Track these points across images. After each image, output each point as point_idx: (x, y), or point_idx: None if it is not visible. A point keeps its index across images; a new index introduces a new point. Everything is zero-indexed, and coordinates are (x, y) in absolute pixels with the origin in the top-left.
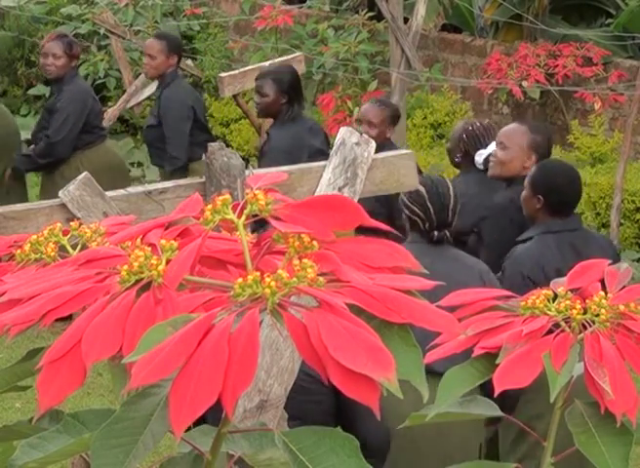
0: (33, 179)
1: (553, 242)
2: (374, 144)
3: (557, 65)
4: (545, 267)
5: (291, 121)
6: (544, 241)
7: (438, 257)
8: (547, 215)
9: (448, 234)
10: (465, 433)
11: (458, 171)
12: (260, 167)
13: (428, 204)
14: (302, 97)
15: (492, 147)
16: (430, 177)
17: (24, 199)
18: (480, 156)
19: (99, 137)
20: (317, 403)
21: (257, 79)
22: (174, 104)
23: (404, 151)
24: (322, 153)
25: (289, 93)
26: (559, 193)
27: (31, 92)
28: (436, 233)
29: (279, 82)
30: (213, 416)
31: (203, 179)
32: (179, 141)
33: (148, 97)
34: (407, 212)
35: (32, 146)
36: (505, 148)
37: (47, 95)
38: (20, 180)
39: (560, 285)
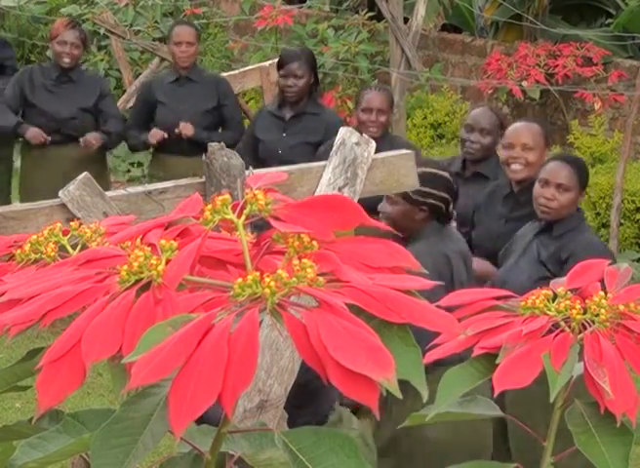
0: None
1: (589, 228)
2: (374, 144)
3: (557, 65)
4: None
5: (320, 100)
6: (589, 226)
7: (452, 234)
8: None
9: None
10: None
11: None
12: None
13: (453, 185)
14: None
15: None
16: (434, 161)
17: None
18: None
19: None
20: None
21: (288, 62)
22: (230, 86)
23: (404, 151)
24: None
25: (315, 71)
26: None
27: None
28: (453, 211)
29: (310, 61)
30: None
31: (203, 179)
32: (240, 120)
33: None
34: (432, 200)
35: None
36: (531, 150)
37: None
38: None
39: (560, 285)
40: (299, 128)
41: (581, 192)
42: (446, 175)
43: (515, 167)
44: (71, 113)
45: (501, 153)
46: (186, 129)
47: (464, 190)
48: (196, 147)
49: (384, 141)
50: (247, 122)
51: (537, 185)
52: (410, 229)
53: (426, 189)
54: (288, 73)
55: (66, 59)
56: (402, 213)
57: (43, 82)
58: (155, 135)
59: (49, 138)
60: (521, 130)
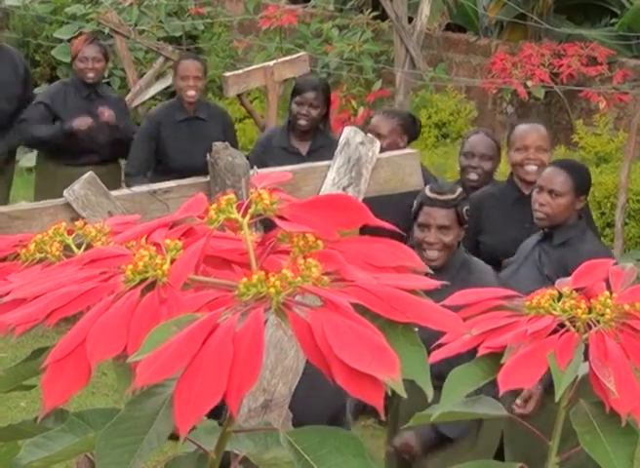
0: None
1: (596, 235)
2: (378, 144)
3: (562, 65)
4: None
5: (329, 131)
6: (593, 236)
7: None
8: (577, 214)
9: None
10: None
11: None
12: None
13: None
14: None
15: None
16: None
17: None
18: None
19: None
20: None
21: (305, 90)
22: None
23: (408, 151)
24: None
25: (328, 104)
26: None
27: (36, 91)
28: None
29: (326, 93)
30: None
31: (207, 179)
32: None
33: (153, 97)
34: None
35: None
36: (545, 151)
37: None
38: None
39: (565, 284)
40: (315, 161)
41: (578, 198)
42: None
43: (531, 168)
44: (106, 135)
45: (514, 156)
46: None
47: None
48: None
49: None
50: (251, 121)
51: (534, 192)
52: (454, 256)
53: (468, 206)
54: (304, 101)
55: (90, 75)
56: (457, 236)
57: (78, 102)
58: (82, 122)
59: (93, 122)
60: (533, 132)
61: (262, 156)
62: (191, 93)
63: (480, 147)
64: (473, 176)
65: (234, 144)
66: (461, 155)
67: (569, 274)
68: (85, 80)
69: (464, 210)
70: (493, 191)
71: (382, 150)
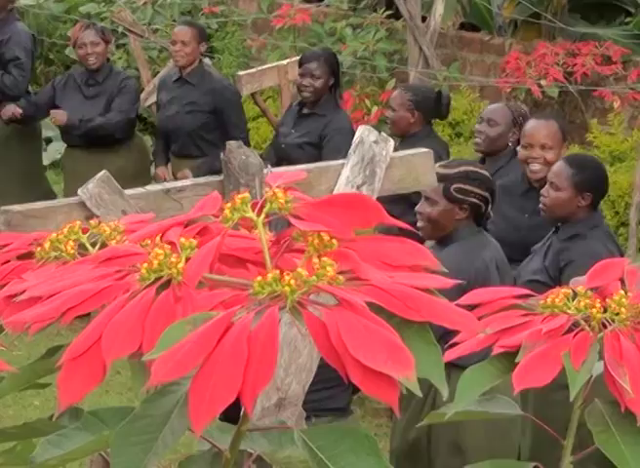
0: (52, 177)
1: (603, 235)
2: (392, 143)
3: (576, 64)
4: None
5: (338, 104)
6: (599, 236)
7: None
8: (588, 211)
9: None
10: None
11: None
12: (326, 152)
13: (493, 183)
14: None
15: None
16: (468, 161)
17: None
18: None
19: None
20: None
21: (305, 62)
22: (229, 90)
23: (422, 150)
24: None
25: (336, 75)
26: (605, 186)
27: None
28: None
29: (330, 63)
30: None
31: (221, 177)
32: (242, 124)
33: None
34: (473, 199)
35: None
36: (551, 148)
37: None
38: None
39: (580, 283)
40: (303, 127)
41: (581, 195)
42: (487, 174)
43: (534, 167)
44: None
45: (520, 152)
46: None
47: None
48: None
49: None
50: (264, 120)
51: (521, 149)
52: (447, 229)
53: (469, 187)
54: (305, 72)
55: (91, 60)
56: (443, 212)
57: (74, 88)
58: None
59: (19, 111)
60: (539, 129)
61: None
62: (177, 58)
63: (493, 114)
64: (477, 139)
65: (234, 121)
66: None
67: (561, 269)
68: (87, 66)
69: (453, 187)
70: (505, 184)
71: (392, 122)
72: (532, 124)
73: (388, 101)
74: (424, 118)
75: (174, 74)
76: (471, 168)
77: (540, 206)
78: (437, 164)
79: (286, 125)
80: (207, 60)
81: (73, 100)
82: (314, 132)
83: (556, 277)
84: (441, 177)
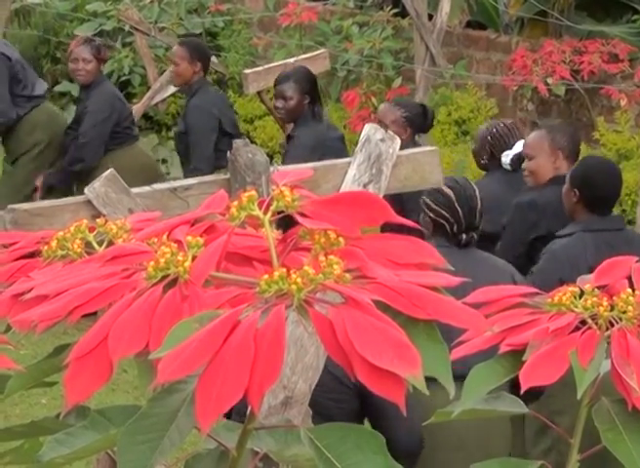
0: None
1: (591, 241)
2: (398, 141)
3: (582, 62)
4: (580, 266)
5: (315, 120)
6: (583, 239)
7: (470, 261)
8: (585, 212)
9: (475, 236)
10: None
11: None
12: (284, 164)
13: (457, 206)
14: (320, 95)
15: (517, 147)
16: (456, 179)
17: None
18: (507, 157)
19: (128, 138)
20: (336, 401)
21: (277, 84)
22: (200, 115)
23: (428, 148)
24: (342, 151)
25: (311, 92)
26: (593, 188)
27: (57, 88)
28: (464, 236)
29: (300, 83)
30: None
31: (227, 176)
32: (203, 153)
33: (173, 94)
34: (432, 214)
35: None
36: (532, 158)
37: (73, 92)
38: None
39: (587, 282)
40: (289, 148)
41: (572, 190)
42: (452, 194)
43: (526, 178)
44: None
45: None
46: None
47: None
48: None
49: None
50: (271, 119)
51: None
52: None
53: (430, 203)
54: (277, 95)
55: (80, 75)
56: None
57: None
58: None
59: None
60: (526, 141)
61: None
62: (172, 77)
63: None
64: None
65: (192, 138)
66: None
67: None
68: (77, 81)
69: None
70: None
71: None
72: (528, 137)
73: (377, 116)
74: (413, 134)
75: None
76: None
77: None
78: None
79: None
80: (213, 59)
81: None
82: (287, 154)
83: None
84: None
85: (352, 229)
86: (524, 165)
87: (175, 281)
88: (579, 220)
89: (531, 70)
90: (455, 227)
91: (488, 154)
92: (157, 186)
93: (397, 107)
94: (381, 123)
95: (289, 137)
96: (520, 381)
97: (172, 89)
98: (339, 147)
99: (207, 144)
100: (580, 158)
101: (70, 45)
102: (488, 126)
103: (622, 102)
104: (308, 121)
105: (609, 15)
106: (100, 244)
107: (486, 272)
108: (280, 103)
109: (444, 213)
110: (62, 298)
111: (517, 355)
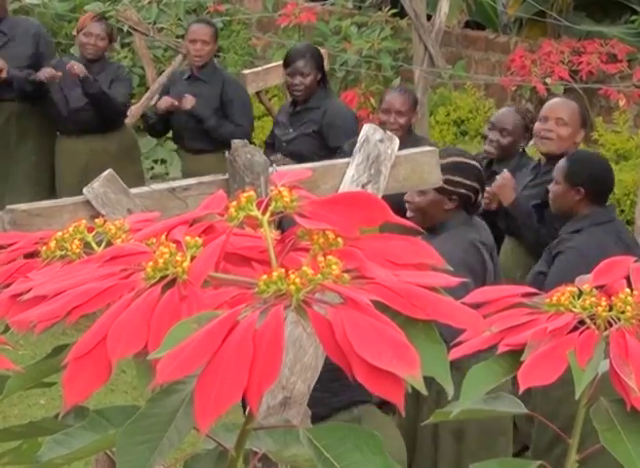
0: None
1: (604, 234)
2: (397, 141)
3: (581, 62)
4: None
5: (329, 96)
6: (597, 234)
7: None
8: (588, 206)
9: None
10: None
11: None
12: (332, 138)
13: (483, 174)
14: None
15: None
16: (459, 151)
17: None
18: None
19: None
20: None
21: (291, 61)
22: (239, 85)
23: (427, 148)
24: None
25: (322, 68)
26: (601, 182)
27: None
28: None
29: (315, 58)
30: None
31: (226, 176)
32: (249, 112)
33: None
34: (462, 190)
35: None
36: (566, 124)
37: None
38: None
39: (585, 282)
40: (299, 120)
41: (573, 188)
42: (476, 164)
43: (545, 139)
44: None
45: (536, 125)
46: (187, 102)
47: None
48: (218, 143)
49: (407, 143)
50: (269, 119)
51: (537, 123)
52: (437, 219)
53: (457, 178)
54: (294, 71)
55: (90, 51)
56: (431, 202)
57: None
58: (163, 103)
59: (59, 74)
60: (558, 104)
61: (275, 117)
62: (197, 58)
63: (503, 121)
64: (487, 148)
65: (235, 110)
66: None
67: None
68: (85, 55)
69: (445, 178)
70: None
71: (401, 127)
72: (553, 100)
73: (389, 106)
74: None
75: (184, 71)
76: (460, 158)
77: (542, 141)
78: None
79: (281, 126)
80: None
81: (71, 90)
82: (312, 123)
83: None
84: None
85: (351, 229)
86: (551, 126)
87: (173, 281)
88: (582, 215)
89: (529, 70)
90: (479, 196)
91: (528, 139)
92: (156, 186)
93: (404, 93)
94: (396, 111)
95: (295, 112)
96: (519, 381)
97: None
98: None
99: (250, 108)
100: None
101: (82, 19)
102: (516, 116)
103: (621, 103)
104: (328, 95)
105: (607, 15)
106: (98, 244)
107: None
108: (297, 80)
109: (476, 185)
110: (61, 299)
111: (516, 355)
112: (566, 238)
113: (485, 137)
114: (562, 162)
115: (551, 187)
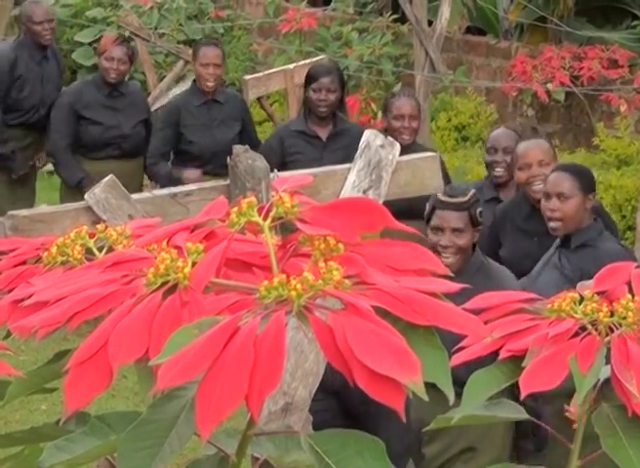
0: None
1: (611, 237)
2: (398, 147)
3: (582, 68)
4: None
5: (346, 115)
6: (610, 237)
7: None
8: (590, 217)
9: None
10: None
11: (479, 174)
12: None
13: None
14: None
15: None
16: (464, 183)
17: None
18: None
19: None
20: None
21: (321, 76)
22: (242, 98)
23: (428, 153)
24: None
25: (344, 88)
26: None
27: None
28: None
29: (340, 76)
30: None
31: (227, 182)
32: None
33: None
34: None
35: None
36: (548, 164)
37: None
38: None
39: (586, 287)
40: (338, 145)
41: (587, 197)
42: None
43: (538, 187)
44: (131, 128)
45: (519, 175)
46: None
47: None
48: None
49: (416, 149)
50: (270, 125)
51: (542, 201)
52: (469, 255)
53: (480, 208)
54: (320, 87)
55: (113, 75)
56: (470, 239)
57: (97, 98)
58: (192, 175)
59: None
60: (533, 148)
61: (282, 142)
62: (210, 82)
63: (503, 141)
64: (498, 171)
65: (252, 127)
66: (485, 153)
67: (590, 276)
68: (107, 79)
69: (478, 211)
70: (508, 206)
71: (414, 131)
72: (524, 145)
73: (402, 112)
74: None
75: (195, 99)
76: (472, 189)
77: (552, 224)
78: (441, 195)
79: (304, 152)
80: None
81: (101, 113)
82: (351, 146)
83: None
84: (460, 206)
85: (352, 235)
86: (537, 171)
87: (174, 287)
88: (587, 223)
89: (530, 76)
90: None
91: None
92: (157, 192)
93: (411, 97)
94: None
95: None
96: (520, 387)
97: (171, 95)
98: None
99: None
100: (560, 170)
101: (103, 42)
102: (512, 134)
103: (622, 108)
104: (343, 119)
105: (608, 21)
106: (100, 250)
107: None
108: (324, 96)
109: None
110: (63, 304)
111: (517, 361)
112: (584, 255)
113: (488, 165)
114: (565, 176)
115: (555, 206)
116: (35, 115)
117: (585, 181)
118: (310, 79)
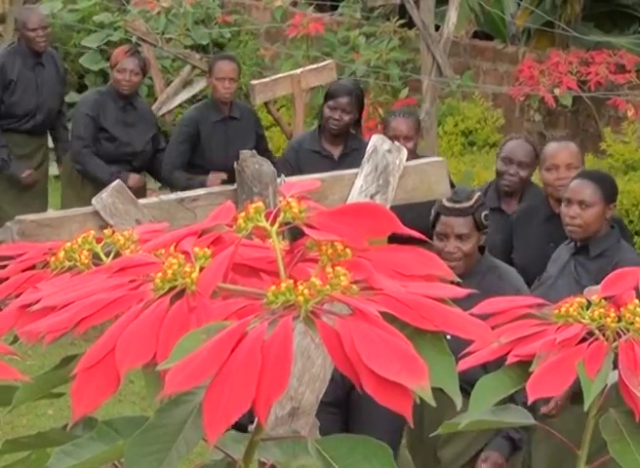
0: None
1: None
2: (405, 152)
3: (589, 73)
4: None
5: (361, 137)
6: (629, 246)
7: None
8: (608, 224)
9: None
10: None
11: (486, 179)
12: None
13: None
14: None
15: None
16: (467, 185)
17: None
18: None
19: None
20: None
21: (339, 95)
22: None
23: (435, 159)
24: None
25: (362, 111)
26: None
27: (65, 99)
28: None
29: (360, 100)
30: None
31: (235, 187)
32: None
33: (180, 105)
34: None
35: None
36: (577, 168)
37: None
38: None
39: (594, 293)
40: (348, 165)
41: (607, 207)
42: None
43: (572, 227)
44: (144, 145)
45: (545, 175)
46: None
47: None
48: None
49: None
50: (277, 130)
51: (562, 206)
52: (476, 260)
53: (485, 211)
54: (337, 106)
55: (126, 87)
56: (475, 244)
57: (114, 112)
58: (215, 180)
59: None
60: (562, 150)
61: (294, 160)
62: (227, 95)
63: (520, 155)
64: (509, 182)
65: (265, 141)
66: (499, 160)
67: None
68: (120, 91)
69: (483, 215)
70: (526, 208)
71: (410, 151)
72: (553, 146)
73: (396, 132)
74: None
75: (212, 115)
76: (477, 192)
77: (571, 229)
78: (445, 201)
79: (317, 170)
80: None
81: (117, 129)
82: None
83: None
84: (464, 211)
85: (359, 240)
86: (565, 174)
87: (182, 292)
88: (605, 231)
89: (538, 81)
90: None
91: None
92: (164, 197)
93: (408, 116)
94: (403, 136)
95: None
96: (527, 392)
97: (178, 100)
98: None
99: None
100: (583, 177)
101: (115, 54)
102: (529, 147)
103: (630, 113)
104: (358, 137)
105: (616, 26)
106: (107, 255)
107: None
108: (338, 115)
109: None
110: (70, 309)
111: (524, 366)
112: (603, 264)
113: (500, 174)
114: (587, 184)
115: (576, 213)
116: (30, 121)
117: (608, 191)
118: (329, 96)
